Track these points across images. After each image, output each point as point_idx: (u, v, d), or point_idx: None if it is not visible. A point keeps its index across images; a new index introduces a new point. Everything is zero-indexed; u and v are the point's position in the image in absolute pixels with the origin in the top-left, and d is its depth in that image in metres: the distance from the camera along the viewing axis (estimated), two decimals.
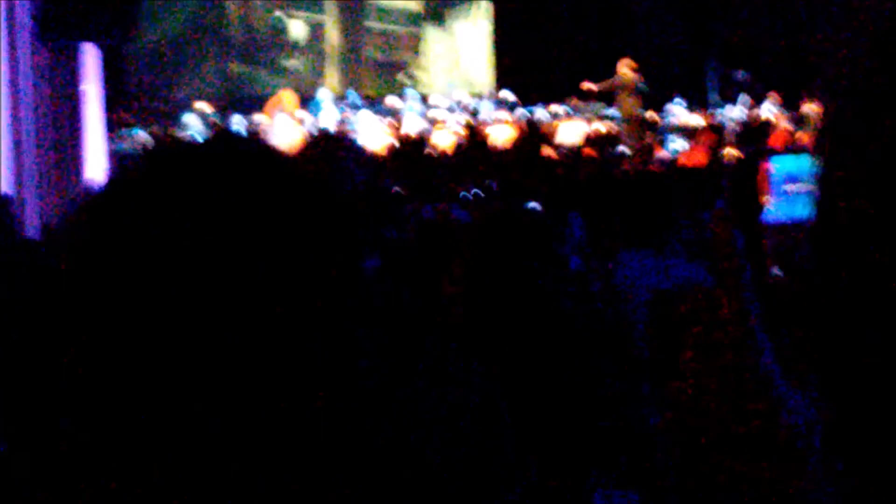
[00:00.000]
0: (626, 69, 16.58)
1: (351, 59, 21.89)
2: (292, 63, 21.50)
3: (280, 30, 21.88)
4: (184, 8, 20.47)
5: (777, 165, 5.97)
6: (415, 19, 22.87)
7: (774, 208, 5.78)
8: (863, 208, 0.66)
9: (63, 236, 1.02)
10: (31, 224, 9.24)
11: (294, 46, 21.91)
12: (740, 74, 19.36)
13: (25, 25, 9.54)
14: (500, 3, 22.37)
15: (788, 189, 5.88)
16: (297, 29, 21.97)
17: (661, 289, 3.78)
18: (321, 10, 22.07)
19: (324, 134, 13.71)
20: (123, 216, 0.93)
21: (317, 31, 22.04)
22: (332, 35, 22.15)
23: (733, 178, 9.41)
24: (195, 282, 0.92)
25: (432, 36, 22.88)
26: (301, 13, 21.99)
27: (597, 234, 5.02)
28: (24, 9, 9.53)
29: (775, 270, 4.52)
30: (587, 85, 17.13)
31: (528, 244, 4.31)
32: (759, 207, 5.80)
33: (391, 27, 22.65)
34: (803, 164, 5.83)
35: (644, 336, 3.45)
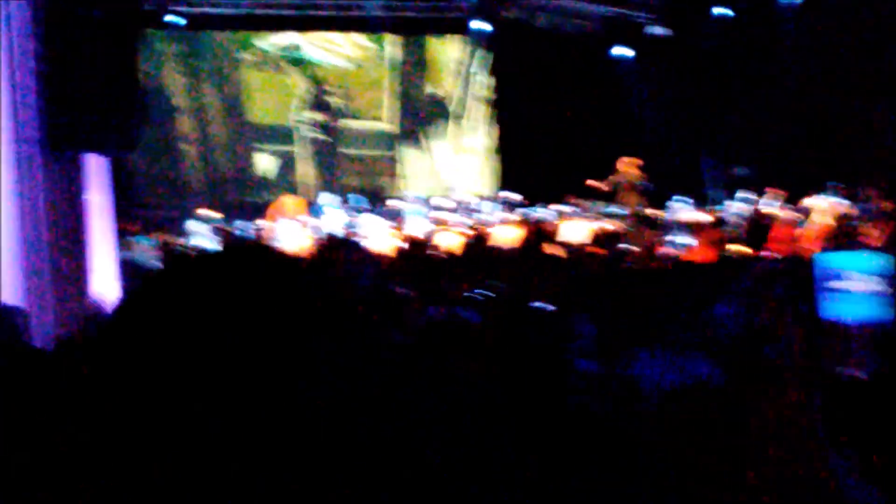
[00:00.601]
0: (626, 167, 16.69)
1: (327, 187, 21.24)
2: (264, 197, 20.62)
3: (248, 166, 21.69)
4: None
5: (824, 262, 5.94)
6: (389, 141, 22.76)
7: (823, 306, 5.73)
8: None
9: (95, 335, 1.03)
10: (39, 333, 9.23)
11: (264, 181, 21.62)
12: (739, 170, 19.49)
13: (33, 136, 9.64)
14: (499, 105, 22.59)
15: (837, 286, 5.85)
16: (266, 163, 21.78)
17: (673, 387, 3.77)
18: (290, 142, 21.94)
19: (331, 238, 13.78)
20: (150, 322, 0.95)
21: (287, 163, 21.83)
22: (304, 166, 21.94)
23: (793, 270, 9.37)
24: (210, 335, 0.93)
25: (409, 155, 22.79)
26: (268, 146, 21.86)
27: (605, 332, 5.01)
28: (31, 120, 9.63)
29: (846, 370, 4.46)
30: (590, 183, 17.19)
31: (536, 345, 4.32)
32: (817, 303, 5.75)
33: (366, 152, 22.54)
34: (854, 261, 5.81)
35: (657, 434, 3.43)
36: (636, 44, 21.14)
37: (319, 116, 22.04)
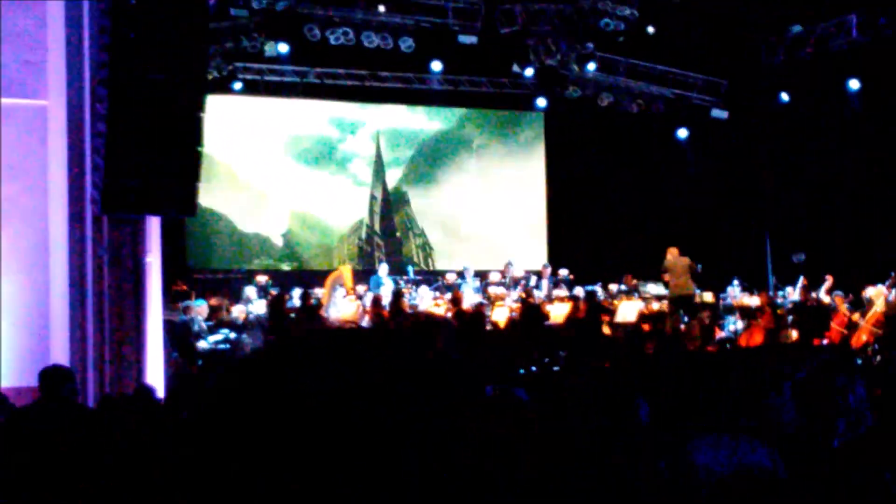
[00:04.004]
0: (673, 255, 16.59)
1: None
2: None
3: None
4: None
5: None
6: None
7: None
8: None
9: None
10: (85, 391, 9.26)
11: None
12: (798, 257, 19.29)
13: (88, 198, 9.71)
14: (555, 182, 22.49)
15: None
16: None
17: (730, 472, 3.67)
18: None
19: (418, 314, 13.84)
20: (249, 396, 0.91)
21: None
22: None
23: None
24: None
25: None
26: None
27: (660, 414, 4.91)
28: (87, 182, 9.71)
29: None
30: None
31: (592, 424, 4.23)
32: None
33: None
34: None
35: None
36: (698, 125, 21.09)
37: None
